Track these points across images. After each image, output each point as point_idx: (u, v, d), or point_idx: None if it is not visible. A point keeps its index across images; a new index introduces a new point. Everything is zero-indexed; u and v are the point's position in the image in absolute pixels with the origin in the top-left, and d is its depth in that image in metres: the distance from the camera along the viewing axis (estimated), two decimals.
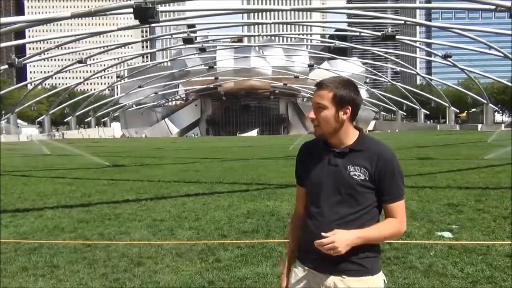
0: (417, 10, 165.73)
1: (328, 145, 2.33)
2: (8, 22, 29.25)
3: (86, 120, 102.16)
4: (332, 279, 2.24)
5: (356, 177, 2.23)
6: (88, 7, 31.24)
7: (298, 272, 2.37)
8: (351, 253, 2.17)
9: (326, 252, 2.12)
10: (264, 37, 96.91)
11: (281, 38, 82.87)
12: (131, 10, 20.41)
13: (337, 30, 77.10)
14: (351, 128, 2.31)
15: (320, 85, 2.29)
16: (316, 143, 2.42)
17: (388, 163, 2.24)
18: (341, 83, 2.27)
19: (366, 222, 2.24)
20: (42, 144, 34.21)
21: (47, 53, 65.52)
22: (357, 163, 2.25)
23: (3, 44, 44.51)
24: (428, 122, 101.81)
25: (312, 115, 2.29)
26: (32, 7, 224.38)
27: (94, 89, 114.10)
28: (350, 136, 2.31)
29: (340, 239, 2.10)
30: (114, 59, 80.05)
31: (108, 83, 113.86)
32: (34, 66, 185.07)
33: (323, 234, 2.14)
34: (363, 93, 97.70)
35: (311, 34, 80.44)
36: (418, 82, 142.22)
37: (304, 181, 2.41)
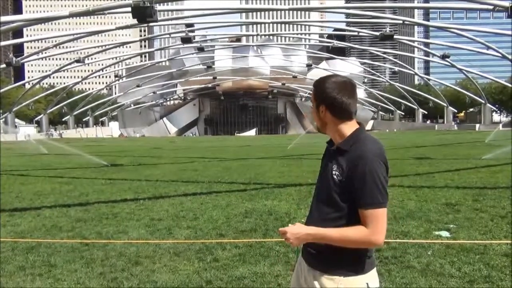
0: (415, 10, 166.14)
1: (331, 144, 2.39)
2: (6, 21, 29.18)
3: (84, 120, 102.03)
4: (310, 272, 2.31)
5: (335, 177, 2.23)
6: (86, 6, 31.22)
7: (299, 259, 2.47)
8: (327, 252, 2.23)
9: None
10: (262, 36, 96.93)
11: (279, 38, 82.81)
12: (129, 9, 20.37)
13: (335, 29, 77.19)
14: (343, 126, 2.29)
15: None
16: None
17: (362, 166, 2.15)
18: (323, 81, 2.31)
19: (343, 224, 2.22)
20: (40, 143, 34.14)
21: (45, 52, 65.43)
22: (339, 163, 2.24)
23: (1, 43, 44.39)
24: (428, 122, 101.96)
25: (311, 111, 2.40)
26: (30, 6, 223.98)
27: (92, 89, 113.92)
28: (342, 134, 2.30)
29: (292, 232, 2.22)
30: (112, 58, 79.89)
31: (106, 83, 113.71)
32: (32, 65, 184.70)
33: (289, 225, 2.28)
34: (361, 93, 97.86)
35: (309, 34, 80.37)
36: (416, 82, 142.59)
37: None
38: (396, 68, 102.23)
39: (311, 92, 2.40)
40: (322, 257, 2.26)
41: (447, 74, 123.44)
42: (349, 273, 2.23)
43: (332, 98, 2.26)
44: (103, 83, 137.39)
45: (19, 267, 5.64)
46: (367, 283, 2.24)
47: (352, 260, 2.24)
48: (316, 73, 79.76)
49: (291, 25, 69.14)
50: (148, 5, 19.33)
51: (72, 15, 26.26)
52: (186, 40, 39.64)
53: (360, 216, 2.18)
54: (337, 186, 2.22)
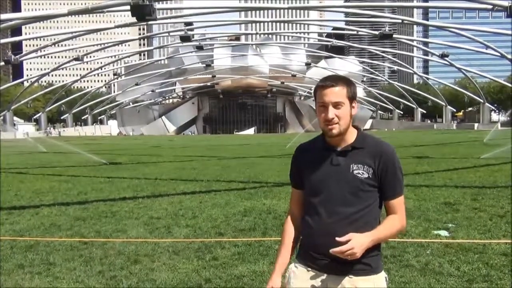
0: (415, 9, 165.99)
1: (327, 145, 2.31)
2: (5, 19, 29.12)
3: (82, 118, 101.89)
4: (339, 280, 2.23)
5: (359, 175, 2.22)
6: (85, 4, 31.22)
7: (300, 272, 2.33)
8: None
9: (343, 258, 2.12)
10: (262, 35, 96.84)
11: (278, 37, 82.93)
12: (128, 7, 20.36)
13: (334, 28, 77.09)
14: (351, 125, 2.32)
15: (330, 83, 2.24)
16: (312, 144, 2.40)
17: (390, 159, 2.25)
18: (347, 79, 2.31)
19: (369, 221, 2.23)
20: (38, 141, 34.11)
21: (44, 50, 65.31)
22: (360, 161, 2.24)
23: (0, 41, 44.31)
24: (429, 121, 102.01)
25: (332, 114, 2.21)
26: (28, 4, 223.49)
27: (91, 87, 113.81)
28: (352, 133, 2.31)
29: (357, 245, 2.11)
30: (111, 56, 79.81)
31: (105, 81, 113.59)
32: (30, 63, 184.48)
33: (338, 239, 2.11)
34: (360, 92, 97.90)
35: (308, 33, 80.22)
36: (415, 81, 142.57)
37: (304, 183, 2.37)
38: (395, 67, 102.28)
39: (310, 91, 2.38)
40: (354, 261, 2.17)
41: (446, 73, 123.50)
42: (378, 270, 2.27)
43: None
44: (101, 81, 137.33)
45: (18, 265, 5.63)
46: (386, 277, 2.31)
47: (378, 257, 2.29)
48: (315, 72, 79.68)
49: (290, 24, 68.90)
50: (147, 3, 19.32)
51: (71, 13, 26.22)
52: (185, 38, 39.53)
53: (389, 206, 2.29)
54: (363, 183, 2.22)
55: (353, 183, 2.22)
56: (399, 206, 2.29)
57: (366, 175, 2.22)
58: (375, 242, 2.20)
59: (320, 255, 2.23)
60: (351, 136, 2.30)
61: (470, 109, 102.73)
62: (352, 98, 2.26)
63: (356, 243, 2.10)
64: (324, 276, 2.26)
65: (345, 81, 2.28)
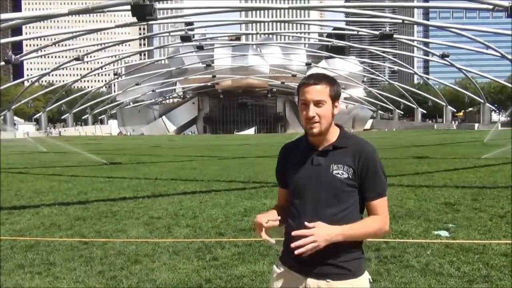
0: (415, 9, 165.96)
1: (310, 144, 2.30)
2: (5, 19, 29.13)
3: (83, 118, 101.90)
4: (316, 282, 2.19)
5: (339, 175, 2.19)
6: (86, 4, 31.22)
7: (281, 273, 2.31)
8: (335, 257, 2.15)
9: (305, 246, 2.05)
10: (262, 35, 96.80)
11: (279, 37, 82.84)
12: (128, 7, 20.37)
13: (335, 28, 77.16)
14: (333, 124, 2.29)
15: (313, 81, 2.22)
16: (297, 143, 2.38)
17: (371, 159, 2.21)
18: (330, 78, 2.28)
19: (350, 221, 2.19)
20: (39, 141, 34.11)
21: (44, 50, 65.31)
22: (340, 161, 2.21)
23: (0, 41, 44.30)
24: (430, 121, 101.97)
25: (313, 112, 2.19)
26: (29, 3, 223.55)
27: (91, 87, 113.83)
28: (334, 132, 2.28)
29: (320, 233, 2.06)
30: (112, 56, 79.82)
31: (105, 81, 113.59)
32: (31, 63, 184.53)
33: (306, 224, 2.09)
34: (361, 92, 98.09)
35: (309, 33, 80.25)
36: (416, 81, 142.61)
37: (288, 183, 2.35)
38: (396, 67, 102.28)
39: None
40: (332, 264, 2.17)
41: (446, 74, 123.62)
42: (357, 274, 2.22)
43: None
44: (102, 81, 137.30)
45: (18, 265, 5.63)
46: (369, 278, 2.27)
47: (359, 261, 2.24)
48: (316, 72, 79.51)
49: (290, 24, 68.90)
50: (148, 3, 19.32)
51: (71, 13, 26.23)
52: (185, 38, 39.54)
53: (371, 207, 2.23)
54: (343, 184, 2.19)
55: (333, 184, 2.19)
56: (381, 207, 2.22)
57: (345, 175, 2.18)
58: (345, 238, 2.12)
59: (299, 257, 2.17)
60: (333, 135, 2.27)
61: (470, 109, 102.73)
62: (334, 97, 2.23)
63: (318, 231, 2.06)
64: (301, 278, 2.23)
65: (328, 79, 2.25)
